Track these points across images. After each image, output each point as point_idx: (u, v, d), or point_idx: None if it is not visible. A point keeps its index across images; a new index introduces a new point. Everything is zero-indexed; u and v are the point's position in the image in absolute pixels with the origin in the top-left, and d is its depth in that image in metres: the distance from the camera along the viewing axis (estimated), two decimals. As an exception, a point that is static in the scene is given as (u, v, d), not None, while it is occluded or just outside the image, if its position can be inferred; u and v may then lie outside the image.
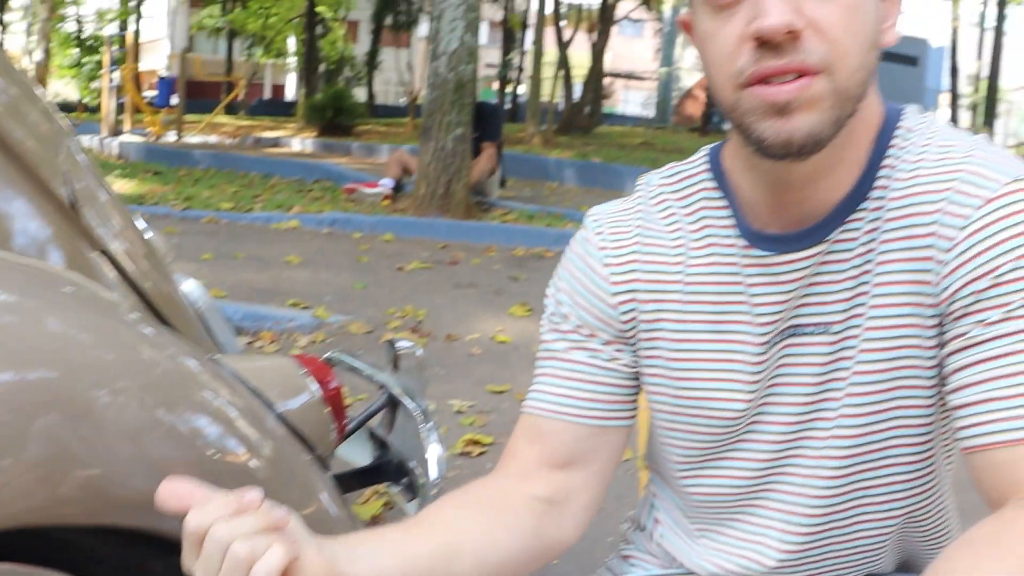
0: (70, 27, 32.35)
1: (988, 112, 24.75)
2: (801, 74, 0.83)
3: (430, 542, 0.93)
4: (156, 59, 42.99)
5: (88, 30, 32.84)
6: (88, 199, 1.60)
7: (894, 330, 0.91)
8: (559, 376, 1.04)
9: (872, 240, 0.92)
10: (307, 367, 1.56)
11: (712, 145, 1.03)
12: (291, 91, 44.04)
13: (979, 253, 0.85)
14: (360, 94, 31.76)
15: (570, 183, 11.65)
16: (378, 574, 0.87)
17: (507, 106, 31.13)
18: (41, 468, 0.98)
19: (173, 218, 7.09)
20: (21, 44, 30.17)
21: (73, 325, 1.13)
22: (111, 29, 29.35)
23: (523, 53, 29.22)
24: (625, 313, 1.02)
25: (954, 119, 27.56)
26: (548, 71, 25.97)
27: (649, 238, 1.02)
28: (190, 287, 2.15)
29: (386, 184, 8.21)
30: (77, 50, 31.96)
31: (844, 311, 0.93)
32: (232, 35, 33.67)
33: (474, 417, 3.42)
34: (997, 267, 0.84)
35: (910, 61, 43.36)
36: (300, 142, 16.69)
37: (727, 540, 1.06)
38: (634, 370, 1.05)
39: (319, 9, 28.38)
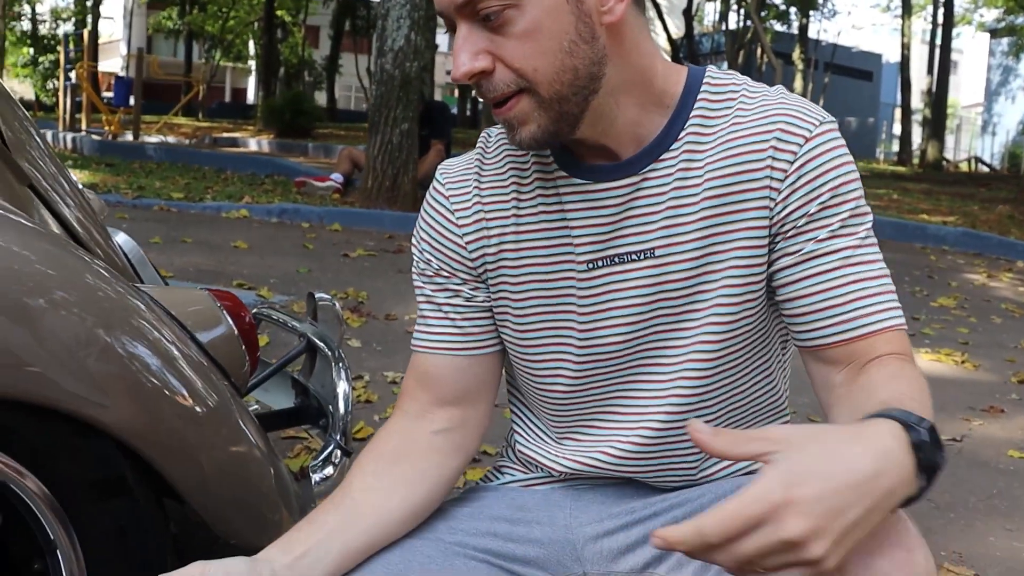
0: (24, 25, 31.98)
1: (935, 126, 25.20)
2: (507, 97, 1.01)
3: (338, 516, 1.09)
4: (114, 60, 42.57)
5: (44, 28, 32.50)
6: (19, 143, 1.73)
7: (734, 251, 1.07)
8: (432, 316, 1.19)
9: (688, 176, 1.07)
10: (222, 301, 1.68)
11: None
12: (251, 94, 43.82)
13: (807, 182, 1.04)
14: (320, 98, 31.74)
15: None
16: (320, 559, 1.06)
17: (467, 112, 31.24)
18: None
19: (124, 206, 7.12)
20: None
21: (14, 243, 1.26)
22: (67, 28, 29.08)
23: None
24: (473, 251, 1.17)
25: (906, 132, 28.03)
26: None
27: (486, 182, 1.17)
28: (121, 239, 2.27)
29: (336, 179, 8.30)
30: (32, 49, 31.60)
31: (663, 237, 1.08)
32: (191, 37, 33.47)
33: (405, 387, 3.54)
34: (821, 195, 1.03)
35: (865, 76, 43.85)
36: (257, 143, 16.68)
37: (582, 442, 1.20)
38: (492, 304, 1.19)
39: (279, 13, 28.33)
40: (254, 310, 2.11)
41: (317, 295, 2.20)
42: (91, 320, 1.27)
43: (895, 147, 36.78)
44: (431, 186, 1.22)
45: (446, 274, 1.18)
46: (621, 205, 1.09)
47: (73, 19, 30.24)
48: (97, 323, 1.27)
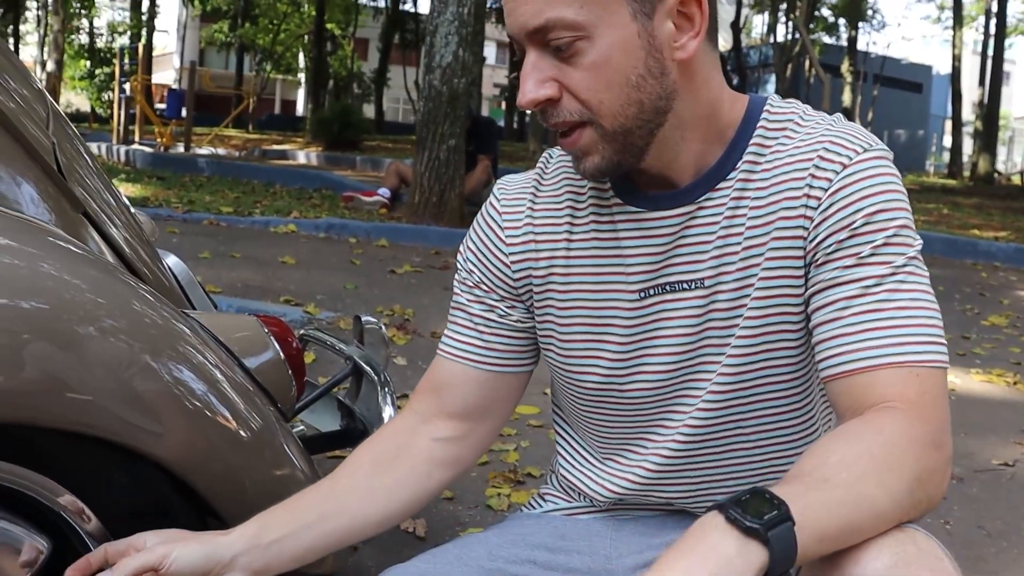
0: (82, 39, 32.61)
1: (986, 139, 24.82)
2: (572, 127, 1.03)
3: (317, 511, 1.15)
4: (167, 72, 43.30)
5: (100, 42, 33.12)
6: (75, 170, 1.77)
7: (774, 280, 1.06)
8: (462, 325, 1.21)
9: (740, 206, 1.07)
10: (270, 327, 1.71)
11: None
12: (300, 107, 44.30)
13: (839, 210, 1.01)
14: (368, 111, 32.01)
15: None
16: (289, 548, 1.12)
17: (514, 125, 31.32)
18: (35, 384, 1.15)
19: (175, 220, 7.22)
20: (34, 55, 30.47)
21: (65, 270, 1.29)
22: (123, 41, 29.62)
23: (529, 72, 29.29)
24: (518, 272, 1.18)
25: (956, 144, 27.66)
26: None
27: (540, 204, 1.18)
28: (172, 261, 2.31)
29: (383, 193, 8.36)
30: (89, 62, 32.22)
31: (714, 267, 1.08)
32: (242, 50, 33.94)
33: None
34: (853, 222, 1.00)
35: (915, 88, 43.35)
36: (306, 155, 16.86)
37: (624, 464, 1.20)
38: (527, 325, 1.20)
39: (328, 26, 28.63)
40: (300, 331, 2.14)
41: (364, 318, 2.22)
42: (140, 348, 1.29)
43: (946, 159, 36.29)
44: (488, 199, 1.23)
45: (485, 288, 1.20)
46: (675, 234, 1.09)
47: (129, 32, 30.78)
48: (146, 351, 1.30)
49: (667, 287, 1.10)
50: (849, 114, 30.96)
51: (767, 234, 1.06)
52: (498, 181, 1.25)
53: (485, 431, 1.23)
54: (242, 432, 1.39)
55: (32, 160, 1.59)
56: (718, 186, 1.08)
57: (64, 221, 1.62)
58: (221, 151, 18.13)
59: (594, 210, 1.14)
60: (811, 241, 1.03)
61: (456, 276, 1.25)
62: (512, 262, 1.18)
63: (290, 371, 1.66)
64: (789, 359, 1.09)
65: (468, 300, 1.21)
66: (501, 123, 32.47)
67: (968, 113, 30.64)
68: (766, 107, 1.10)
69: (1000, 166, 35.53)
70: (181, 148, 17.37)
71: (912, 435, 0.91)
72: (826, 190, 1.02)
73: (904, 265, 0.99)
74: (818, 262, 1.02)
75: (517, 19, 1.00)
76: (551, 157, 1.21)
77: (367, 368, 2.02)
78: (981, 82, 27.40)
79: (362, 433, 2.02)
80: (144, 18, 28.38)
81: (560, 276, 1.16)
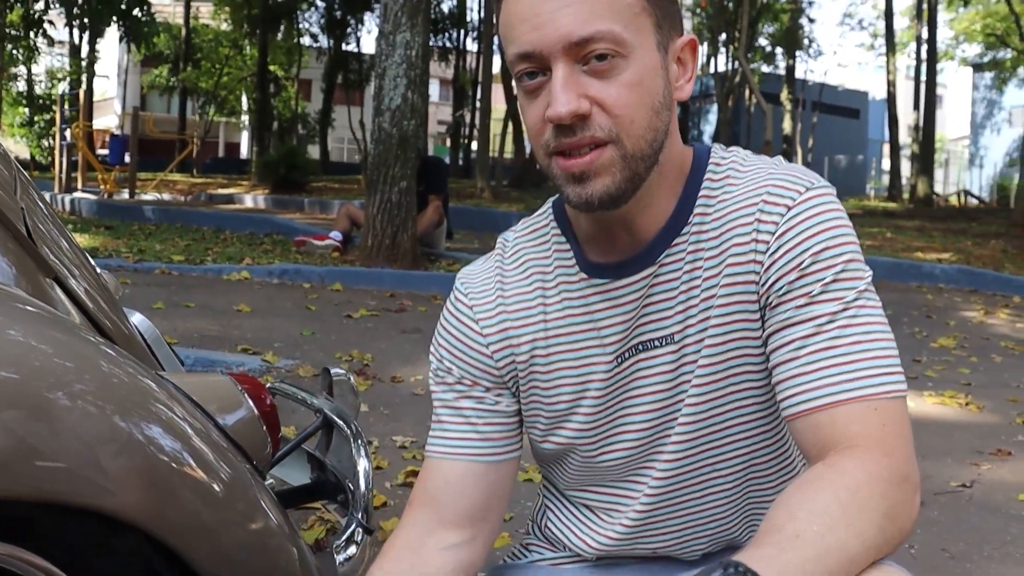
0: (20, 86, 32.16)
1: (923, 162, 25.39)
2: (594, 145, 1.01)
3: None
4: (108, 117, 42.84)
5: (39, 89, 32.70)
6: (43, 234, 1.76)
7: (728, 327, 1.09)
8: (452, 423, 1.19)
9: (696, 259, 1.09)
10: (243, 385, 1.71)
11: (555, 197, 1.21)
12: (245, 149, 44.05)
13: (787, 251, 1.03)
14: (314, 151, 31.91)
15: (518, 235, 11.84)
16: None
17: (460, 162, 31.42)
18: (7, 457, 1.13)
19: (125, 270, 7.14)
20: (-29, 104, 30.00)
21: (34, 337, 1.28)
22: (63, 88, 29.27)
23: (474, 110, 29.55)
24: (501, 360, 1.19)
25: (895, 167, 28.25)
26: (500, 127, 26.36)
27: (509, 290, 1.19)
28: (137, 319, 2.30)
29: (335, 237, 8.33)
30: (27, 109, 31.77)
31: (680, 323, 1.10)
32: (185, 93, 33.72)
33: (415, 451, 3.55)
34: (801, 262, 1.02)
35: (852, 113, 44.12)
36: (253, 198, 16.76)
37: (604, 521, 1.22)
38: (515, 408, 1.21)
39: (271, 68, 28.58)
40: (268, 385, 2.14)
41: (333, 370, 2.22)
42: (113, 411, 1.28)
43: (885, 182, 37.02)
44: (451, 294, 1.23)
45: (469, 382, 1.20)
46: (641, 296, 1.11)
47: (68, 78, 30.42)
48: (120, 414, 1.29)
49: (640, 347, 1.12)
50: (790, 141, 31.52)
51: (724, 282, 1.08)
52: (459, 274, 1.25)
53: (490, 528, 1.21)
54: (220, 492, 1.38)
55: (2, 227, 1.58)
56: (675, 242, 1.10)
57: (34, 286, 1.61)
58: (166, 196, 17.97)
59: (564, 288, 1.16)
60: (763, 284, 1.05)
61: (432, 376, 1.24)
62: (493, 352, 1.18)
63: (265, 428, 1.66)
64: (755, 399, 1.11)
65: (453, 397, 1.20)
66: (447, 159, 32.58)
67: (905, 136, 31.30)
68: (711, 157, 1.13)
69: (938, 187, 36.32)
70: (126, 194, 17.19)
71: (877, 473, 0.92)
72: (773, 233, 1.04)
73: (855, 299, 1.00)
74: (772, 304, 1.04)
75: (557, 30, 0.99)
76: (507, 241, 1.23)
77: (338, 421, 2.02)
78: (916, 106, 28.05)
79: (334, 486, 2.01)
80: (84, 64, 28.06)
81: (541, 356, 1.17)
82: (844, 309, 1.00)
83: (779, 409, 1.04)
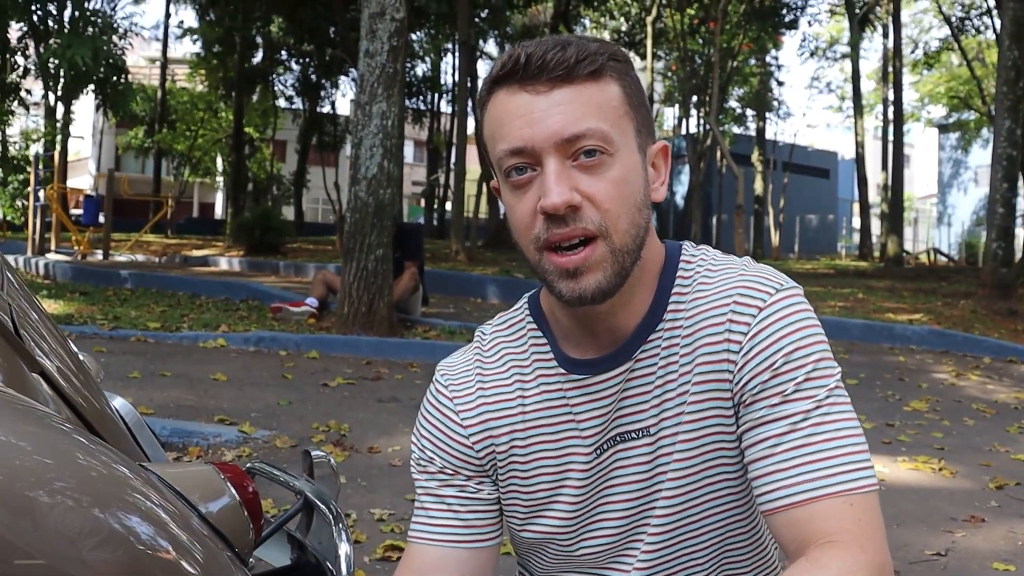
0: (-6, 148, 32.08)
1: (893, 221, 25.73)
2: (584, 239, 1.06)
3: None
4: (83, 178, 42.78)
5: (13, 150, 32.62)
6: (27, 325, 1.78)
7: (702, 422, 1.13)
8: (435, 510, 1.23)
9: (671, 355, 1.14)
10: (226, 474, 1.72)
11: (530, 293, 1.26)
12: (219, 209, 44.06)
13: (760, 352, 1.08)
14: (289, 212, 31.95)
15: (493, 299, 11.87)
16: None
17: (435, 222, 31.56)
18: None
19: (101, 338, 7.10)
20: (-56, 165, 29.84)
21: (13, 434, 1.30)
22: (37, 149, 29.22)
23: (448, 171, 29.77)
24: (481, 451, 1.23)
25: (865, 226, 28.62)
26: (474, 188, 26.53)
27: (488, 382, 1.23)
28: (119, 404, 2.30)
29: (311, 303, 8.31)
30: (1, 170, 31.66)
31: (656, 416, 1.15)
32: (160, 155, 33.76)
33: (393, 524, 3.54)
34: (774, 362, 1.07)
35: (822, 173, 44.78)
36: (228, 261, 16.73)
37: None
38: (495, 496, 1.24)
39: (247, 130, 28.70)
40: (248, 465, 2.14)
41: (313, 452, 2.22)
42: (93, 506, 1.29)
43: (855, 240, 37.47)
44: (432, 386, 1.27)
45: (450, 471, 1.23)
46: (618, 391, 1.15)
47: (43, 140, 30.38)
48: (100, 508, 1.30)
49: (618, 438, 1.16)
50: (761, 202, 31.89)
51: (698, 379, 1.12)
52: (438, 366, 1.29)
53: None
54: (202, 581, 1.39)
55: (-12, 322, 1.60)
56: (650, 337, 1.15)
57: (21, 382, 1.62)
58: (140, 258, 17.92)
59: (542, 382, 1.20)
60: (737, 383, 1.10)
61: (414, 465, 1.27)
62: (474, 442, 1.22)
63: (247, 514, 1.67)
64: (729, 490, 1.16)
65: (436, 486, 1.24)
66: (421, 220, 32.71)
67: (874, 195, 31.79)
68: (681, 256, 1.19)
69: (908, 245, 36.79)
70: (100, 255, 17.13)
71: (855, 567, 0.96)
72: (745, 334, 1.09)
73: (827, 397, 1.05)
74: (746, 402, 1.09)
75: (548, 127, 1.05)
76: (484, 335, 1.27)
77: (319, 504, 2.03)
78: (884, 166, 28.52)
79: (314, 567, 2.02)
80: (59, 125, 28.06)
81: (520, 447, 1.21)
82: (817, 407, 1.04)
83: (756, 504, 1.09)
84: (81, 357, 2.17)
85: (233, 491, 1.68)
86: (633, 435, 1.16)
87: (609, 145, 1.06)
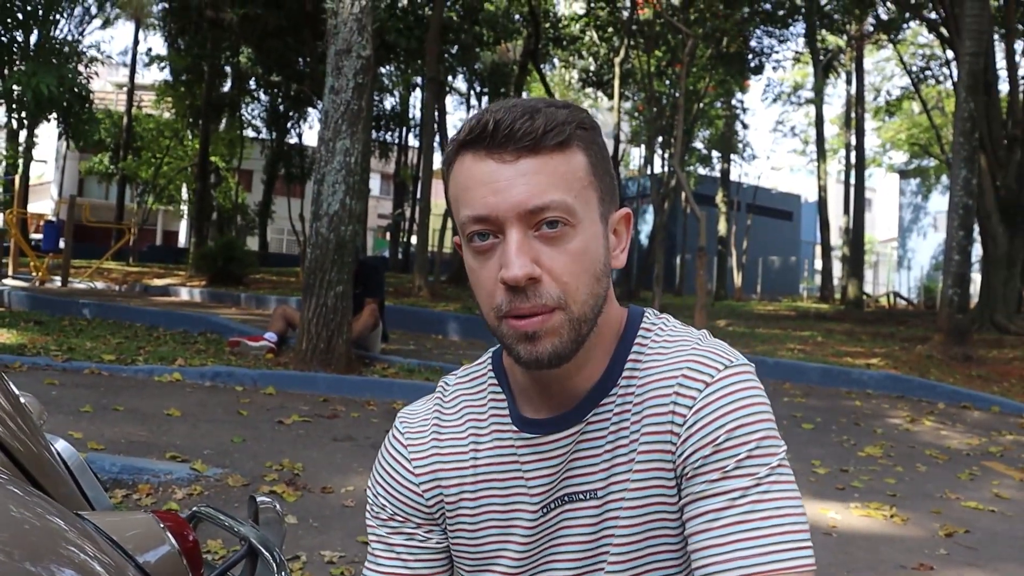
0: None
1: (853, 264, 26.05)
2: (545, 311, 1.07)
3: None
4: (44, 202, 42.36)
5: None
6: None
7: (646, 491, 1.13)
8: (384, 556, 1.25)
9: (622, 420, 1.15)
10: (165, 522, 1.71)
11: (494, 348, 1.27)
12: (183, 238, 43.77)
13: (703, 426, 1.09)
14: (253, 243, 31.81)
15: (454, 336, 11.87)
16: None
17: (399, 256, 31.53)
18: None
19: (54, 369, 6.99)
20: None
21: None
22: (-2, 173, 28.92)
23: (414, 205, 29.79)
24: (431, 499, 1.24)
25: (826, 269, 28.94)
26: (439, 222, 26.57)
27: (444, 433, 1.25)
28: (61, 447, 2.27)
29: (270, 338, 8.25)
30: (-39, 194, 31.29)
31: (604, 479, 1.15)
32: (124, 181, 33.52)
33: (344, 567, 3.51)
34: (716, 438, 1.07)
35: (785, 216, 45.28)
36: (189, 292, 16.60)
37: None
38: (444, 545, 1.25)
39: (212, 159, 28.59)
40: (193, 509, 2.13)
41: (259, 498, 2.21)
42: (28, 560, 1.27)
43: (817, 282, 37.89)
44: (391, 432, 1.29)
45: (400, 519, 1.25)
46: (568, 451, 1.16)
47: (4, 163, 30.07)
48: (34, 562, 1.28)
49: (565, 498, 1.17)
50: (725, 243, 32.18)
51: (644, 448, 1.13)
52: (399, 413, 1.31)
53: None
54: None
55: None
56: (602, 401, 1.16)
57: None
58: (100, 285, 17.75)
59: (496, 438, 1.21)
60: (679, 456, 1.10)
61: (368, 511, 1.29)
62: (424, 490, 1.24)
63: (186, 563, 1.66)
64: (672, 561, 1.16)
65: (386, 533, 1.25)
66: (386, 253, 32.67)
67: (836, 238, 32.17)
68: (642, 323, 1.20)
69: (868, 288, 37.22)
70: (58, 282, 16.94)
71: None
72: (690, 408, 1.10)
73: (767, 475, 1.05)
74: (687, 475, 1.09)
75: (512, 196, 1.06)
76: (448, 385, 1.29)
77: (263, 551, 2.02)
78: (846, 210, 28.92)
79: (257, 616, 2.00)
80: (21, 149, 27.80)
81: (469, 499, 1.22)
82: (756, 484, 1.04)
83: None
84: (23, 400, 2.15)
85: (173, 540, 1.67)
86: (581, 496, 1.16)
87: (571, 216, 1.07)
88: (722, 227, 31.98)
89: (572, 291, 1.08)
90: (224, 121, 30.14)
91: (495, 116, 1.07)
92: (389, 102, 31.66)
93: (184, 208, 39.16)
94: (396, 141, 33.55)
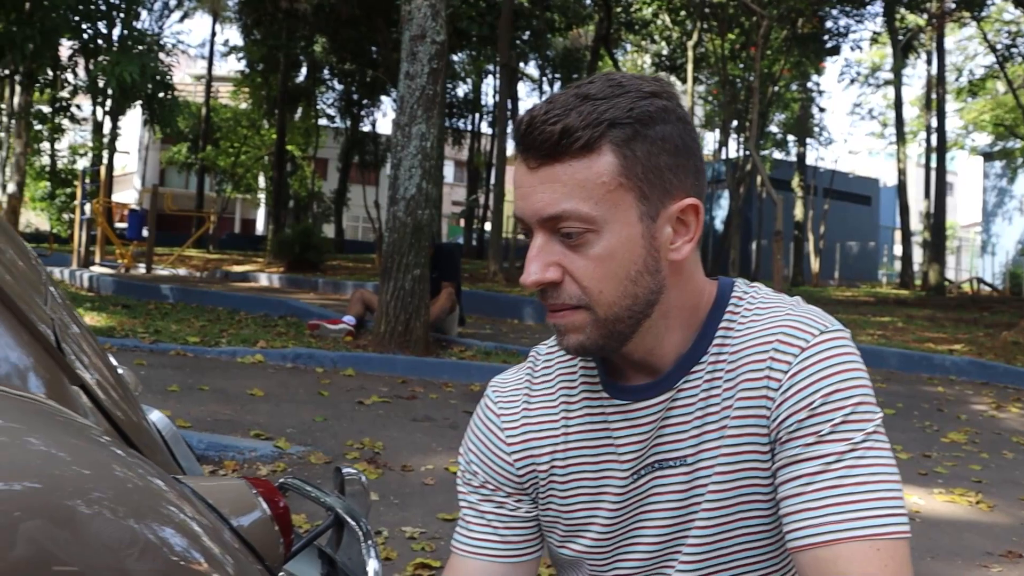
0: (44, 160, 32.69)
1: (935, 250, 25.44)
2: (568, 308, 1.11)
3: None
4: (128, 192, 43.45)
5: (61, 163, 33.23)
6: (68, 339, 1.83)
7: (738, 456, 1.14)
8: (475, 523, 1.27)
9: (713, 387, 1.15)
10: (257, 488, 1.76)
11: None
12: (261, 226, 44.52)
13: (799, 391, 1.09)
14: (329, 230, 32.22)
15: (529, 320, 11.88)
16: None
17: (474, 242, 31.65)
18: (27, 566, 1.18)
19: (142, 351, 7.19)
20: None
21: (54, 445, 1.34)
22: (84, 163, 29.73)
23: (488, 192, 29.87)
24: (522, 468, 1.26)
25: (906, 254, 28.32)
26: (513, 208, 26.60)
27: (535, 401, 1.27)
28: (156, 417, 2.35)
29: (348, 321, 8.36)
30: (50, 183, 32.25)
31: (693, 447, 1.16)
32: (203, 171, 34.23)
33: (425, 543, 3.56)
34: (811, 402, 1.07)
35: (863, 200, 44.32)
36: (268, 277, 16.90)
37: None
38: (534, 514, 1.27)
39: (289, 147, 29.02)
40: (280, 481, 2.18)
41: (344, 469, 2.26)
42: (129, 517, 1.33)
43: (897, 268, 37.12)
44: (483, 400, 1.31)
45: (492, 486, 1.27)
46: (658, 418, 1.17)
47: (90, 154, 30.90)
48: (136, 520, 1.33)
49: (655, 465, 1.18)
50: (802, 228, 31.68)
51: (737, 413, 1.14)
52: (491, 382, 1.33)
53: None
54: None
55: (34, 339, 1.65)
56: (692, 369, 1.16)
57: (62, 394, 1.66)
58: (182, 272, 18.17)
59: (586, 405, 1.23)
60: (774, 420, 1.10)
61: (459, 477, 1.31)
62: (515, 460, 1.26)
63: (277, 528, 1.71)
64: (763, 527, 1.16)
65: (477, 500, 1.28)
66: (460, 240, 32.83)
67: (916, 223, 31.43)
68: (733, 292, 1.20)
69: (950, 274, 36.35)
70: (143, 269, 17.39)
71: None
72: (785, 372, 1.10)
73: (863, 441, 1.05)
74: (781, 440, 1.10)
75: (531, 204, 1.09)
76: (539, 355, 1.30)
77: (350, 520, 2.06)
78: (926, 194, 28.25)
79: (344, 582, 2.04)
80: (106, 140, 28.53)
81: (560, 467, 1.23)
82: (852, 450, 1.04)
83: (784, 540, 1.09)
84: (120, 371, 2.23)
85: (264, 505, 1.72)
86: (670, 463, 1.17)
87: (591, 223, 1.07)
88: (799, 212, 31.48)
89: (595, 294, 1.09)
90: (300, 110, 30.59)
91: (533, 113, 1.09)
92: (462, 89, 31.80)
93: (261, 196, 39.84)
94: (469, 128, 33.67)
